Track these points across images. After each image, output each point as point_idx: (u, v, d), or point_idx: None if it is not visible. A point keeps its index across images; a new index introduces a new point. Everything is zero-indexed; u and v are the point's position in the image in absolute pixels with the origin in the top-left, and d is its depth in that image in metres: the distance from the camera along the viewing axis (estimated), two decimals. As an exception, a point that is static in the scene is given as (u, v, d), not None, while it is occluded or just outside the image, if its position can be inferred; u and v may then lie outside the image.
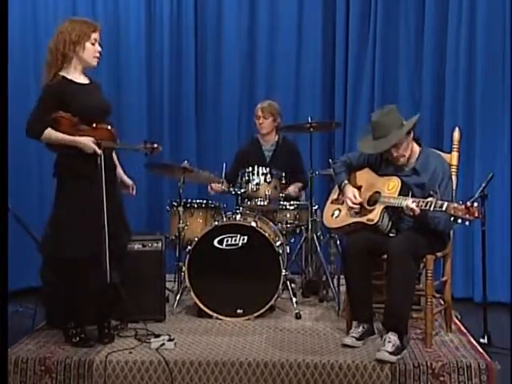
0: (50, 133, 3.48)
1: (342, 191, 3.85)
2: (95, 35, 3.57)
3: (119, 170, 3.83)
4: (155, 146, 3.61)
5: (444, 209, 3.28)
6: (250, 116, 5.33)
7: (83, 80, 3.61)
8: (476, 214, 3.19)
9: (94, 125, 3.49)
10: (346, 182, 3.83)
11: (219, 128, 5.78)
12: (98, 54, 3.59)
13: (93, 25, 3.59)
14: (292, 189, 4.88)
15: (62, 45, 3.51)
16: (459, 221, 3.22)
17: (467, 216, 3.20)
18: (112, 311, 3.72)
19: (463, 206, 3.21)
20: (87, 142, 3.46)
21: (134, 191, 3.88)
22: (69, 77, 3.55)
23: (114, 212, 3.56)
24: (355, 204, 3.71)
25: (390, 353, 3.32)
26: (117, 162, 3.82)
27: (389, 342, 3.36)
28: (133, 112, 5.62)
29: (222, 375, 3.36)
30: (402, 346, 3.39)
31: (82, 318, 3.66)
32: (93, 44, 3.56)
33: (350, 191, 3.77)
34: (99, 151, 3.45)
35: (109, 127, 3.52)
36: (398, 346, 3.36)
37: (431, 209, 3.34)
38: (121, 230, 3.66)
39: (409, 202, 3.43)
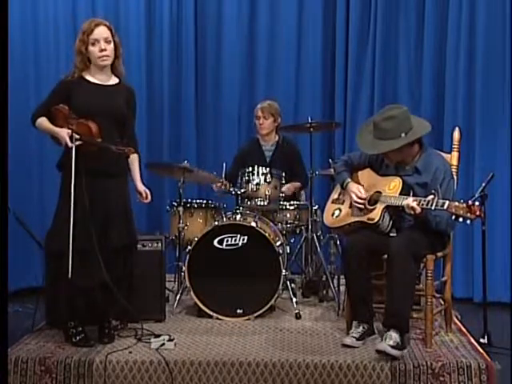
0: (41, 121, 3.57)
1: (344, 190, 3.85)
2: (93, 36, 3.53)
3: (134, 176, 3.83)
4: (126, 149, 3.58)
5: (445, 207, 3.27)
6: (250, 116, 5.33)
7: (105, 81, 3.62)
8: (477, 213, 3.18)
9: (82, 120, 3.49)
10: (349, 180, 3.83)
11: (219, 128, 5.78)
12: (101, 54, 3.54)
13: (89, 27, 3.55)
14: (286, 187, 4.79)
15: (75, 55, 3.60)
16: (460, 219, 3.22)
17: (468, 215, 3.19)
18: (110, 311, 3.71)
19: (464, 205, 3.20)
20: (62, 133, 3.47)
21: (147, 200, 3.87)
22: (87, 77, 3.59)
23: (107, 211, 3.56)
24: (360, 199, 3.70)
25: (391, 346, 3.32)
26: (135, 168, 3.81)
27: (390, 338, 3.36)
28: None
29: (221, 375, 3.36)
30: (402, 344, 3.39)
31: (81, 318, 3.66)
32: (93, 44, 3.54)
33: (355, 187, 3.76)
34: (70, 144, 3.44)
35: (90, 124, 3.47)
36: (398, 343, 3.36)
37: (432, 207, 3.34)
38: (117, 230, 3.63)
39: (409, 201, 3.43)
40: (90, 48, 3.54)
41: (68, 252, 3.40)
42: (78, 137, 3.44)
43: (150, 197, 3.87)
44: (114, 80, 3.67)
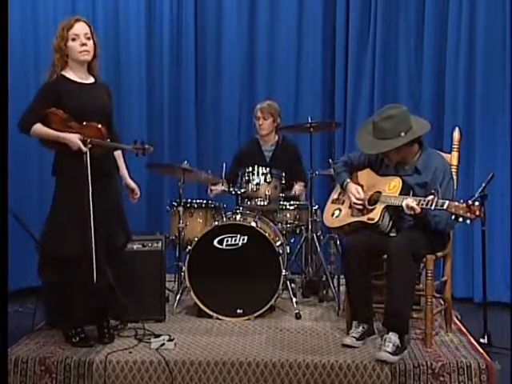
0: (38, 128, 3.52)
1: (344, 190, 3.85)
2: (73, 31, 3.53)
3: (124, 173, 3.84)
4: (146, 146, 3.58)
5: (445, 207, 3.27)
6: (250, 116, 5.33)
7: (84, 79, 3.61)
8: (477, 213, 3.18)
9: (84, 122, 3.49)
10: (349, 180, 3.83)
11: (219, 128, 5.78)
12: (82, 48, 3.53)
13: (68, 23, 3.56)
14: (297, 188, 4.92)
15: (53, 53, 3.58)
16: (460, 219, 3.22)
17: (468, 214, 3.19)
18: (109, 311, 3.71)
19: (464, 205, 3.20)
20: (73, 138, 3.45)
21: (137, 195, 3.89)
22: (68, 75, 3.57)
23: (108, 212, 3.57)
24: (358, 199, 3.70)
25: (391, 353, 3.32)
26: (122, 165, 3.83)
27: (389, 342, 3.36)
28: (133, 112, 5.62)
29: (221, 375, 3.36)
30: (402, 346, 3.39)
31: (81, 318, 3.66)
32: (74, 39, 3.52)
33: (354, 188, 3.76)
34: (84, 149, 3.43)
35: (99, 125, 3.49)
36: (398, 346, 3.36)
37: (432, 207, 3.34)
38: (116, 230, 3.65)
39: (409, 201, 3.43)
40: (70, 43, 3.53)
41: (74, 256, 3.41)
42: (89, 140, 3.44)
43: (139, 193, 3.88)
44: (92, 79, 3.67)
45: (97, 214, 3.47)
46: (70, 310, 3.62)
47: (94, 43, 3.60)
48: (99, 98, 3.62)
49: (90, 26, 3.59)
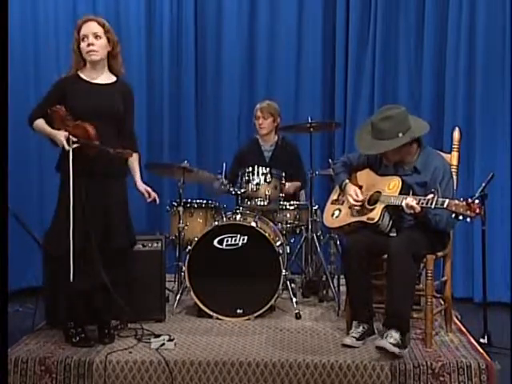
0: (38, 123, 3.55)
1: (342, 191, 3.85)
2: (82, 32, 3.53)
3: (135, 176, 3.83)
4: (125, 151, 3.57)
5: (445, 206, 3.27)
6: (250, 116, 5.33)
7: (97, 79, 3.60)
8: (477, 211, 3.18)
9: (78, 122, 3.48)
10: (347, 181, 3.83)
11: (219, 128, 5.79)
12: (88, 48, 3.52)
13: (78, 24, 3.57)
14: (287, 185, 4.79)
15: (72, 55, 3.60)
16: (460, 218, 3.22)
17: (468, 212, 3.19)
18: (106, 311, 3.71)
19: (464, 203, 3.20)
20: (59, 136, 3.45)
21: (151, 199, 3.87)
22: (81, 75, 3.58)
23: (105, 212, 3.55)
24: (357, 201, 3.71)
25: (392, 344, 3.32)
26: (134, 168, 3.81)
27: (390, 336, 3.36)
28: (132, 112, 5.61)
29: (221, 375, 3.36)
30: (403, 343, 3.39)
31: (81, 318, 3.66)
32: (83, 40, 3.53)
33: (352, 189, 3.76)
34: (67, 147, 3.42)
35: (88, 126, 3.45)
36: (399, 342, 3.36)
37: (432, 206, 3.34)
38: (116, 231, 3.63)
39: (409, 200, 3.43)
40: (81, 44, 3.54)
41: (68, 254, 3.39)
42: (75, 140, 3.43)
43: (153, 193, 3.88)
44: (111, 79, 3.66)
45: (91, 214, 3.47)
46: (70, 310, 3.63)
47: (110, 41, 3.58)
48: (106, 99, 3.58)
49: (102, 25, 3.57)
